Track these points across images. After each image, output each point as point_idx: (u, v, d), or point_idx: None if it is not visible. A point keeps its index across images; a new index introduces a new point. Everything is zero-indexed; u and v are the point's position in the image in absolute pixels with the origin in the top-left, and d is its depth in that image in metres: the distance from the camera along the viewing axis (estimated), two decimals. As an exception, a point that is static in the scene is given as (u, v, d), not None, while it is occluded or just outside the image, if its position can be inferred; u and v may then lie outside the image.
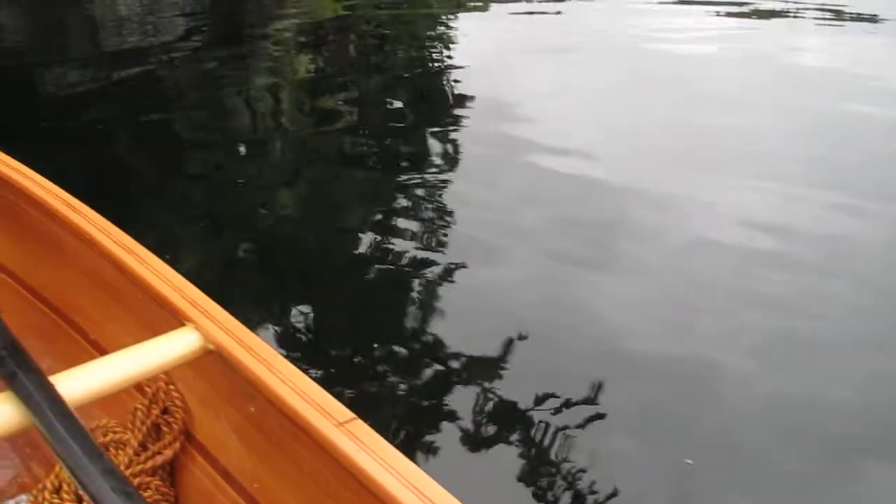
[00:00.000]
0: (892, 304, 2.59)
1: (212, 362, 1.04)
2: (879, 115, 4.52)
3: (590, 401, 2.06)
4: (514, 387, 2.10)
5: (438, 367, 2.20)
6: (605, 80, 5.44)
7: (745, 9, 8.00)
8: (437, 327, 2.41)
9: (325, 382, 0.96)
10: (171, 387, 1.27)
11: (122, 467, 1.21)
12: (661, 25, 7.13)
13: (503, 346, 2.28)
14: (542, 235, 3.07)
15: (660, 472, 1.84)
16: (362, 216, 3.36)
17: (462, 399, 2.06)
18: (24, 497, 1.39)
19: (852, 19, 7.47)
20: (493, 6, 8.64)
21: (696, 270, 2.80)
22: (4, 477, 1.49)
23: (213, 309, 1.07)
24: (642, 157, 3.95)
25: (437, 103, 5.18)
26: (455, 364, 2.22)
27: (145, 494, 1.24)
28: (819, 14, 7.71)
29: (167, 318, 1.11)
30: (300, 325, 2.42)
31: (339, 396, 0.92)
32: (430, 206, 3.35)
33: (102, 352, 1.39)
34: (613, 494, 1.75)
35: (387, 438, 0.85)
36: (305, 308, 2.54)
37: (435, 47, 7.08)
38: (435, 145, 4.22)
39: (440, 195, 3.47)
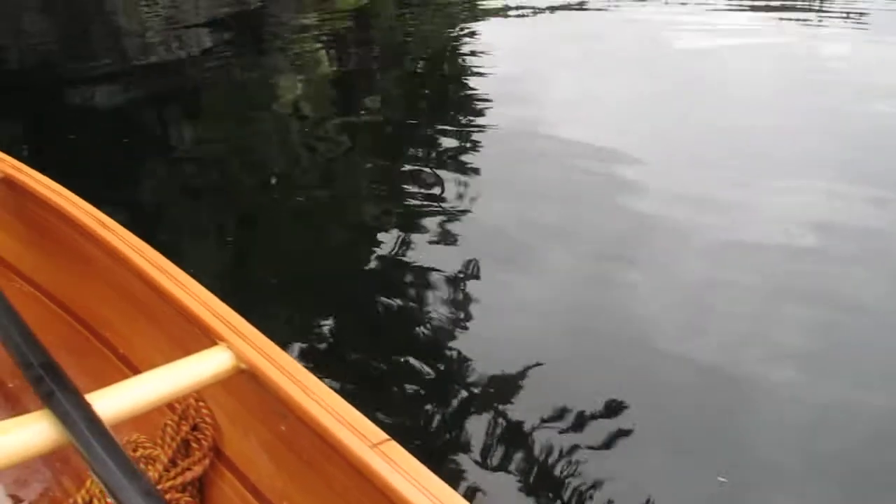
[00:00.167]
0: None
1: (244, 381, 1.05)
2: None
3: (618, 413, 2.05)
4: (541, 401, 2.09)
5: (467, 381, 2.20)
6: (632, 83, 5.43)
7: (771, 12, 7.95)
8: (465, 340, 2.40)
9: (353, 401, 0.97)
10: (201, 403, 1.29)
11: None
12: (686, 24, 7.11)
13: (530, 358, 2.27)
14: (570, 238, 3.07)
15: (692, 490, 1.81)
16: (387, 223, 3.35)
17: (488, 416, 2.05)
18: None
19: (879, 20, 7.40)
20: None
21: (731, 275, 2.78)
22: (35, 490, 1.50)
23: (245, 328, 1.07)
24: (672, 158, 3.94)
25: (458, 102, 5.20)
26: (483, 378, 2.21)
27: (175, 511, 1.25)
28: (844, 15, 7.66)
29: (199, 336, 1.12)
30: (322, 339, 2.43)
31: (369, 417, 0.93)
32: (454, 211, 3.35)
33: (133, 369, 1.41)
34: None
35: (419, 459, 0.85)
36: (330, 321, 2.54)
37: (456, 46, 7.10)
38: (458, 145, 4.23)
39: (464, 199, 3.47)
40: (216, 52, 6.94)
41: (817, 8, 7.89)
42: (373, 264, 2.99)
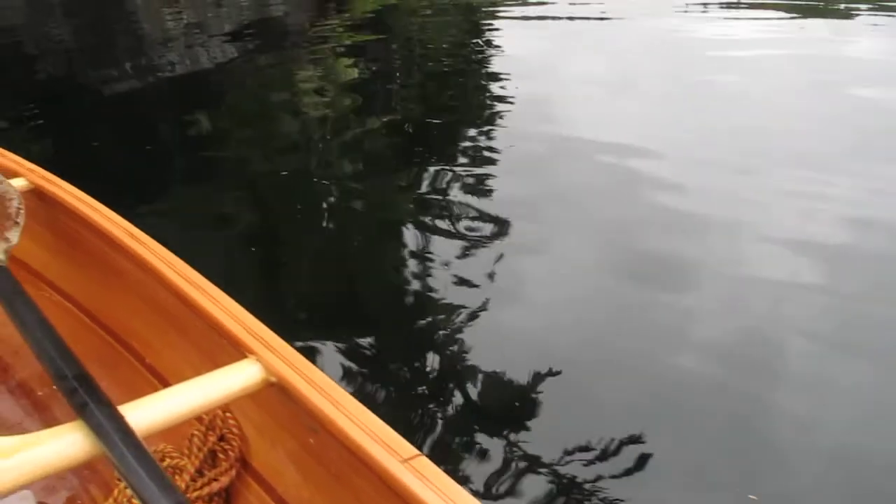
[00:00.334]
0: None
1: (273, 394, 1.06)
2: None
3: (643, 427, 2.03)
4: (570, 413, 2.10)
5: (494, 394, 2.20)
6: (653, 84, 5.44)
7: (795, 13, 7.92)
8: (493, 350, 2.40)
9: (382, 415, 0.97)
10: (228, 414, 1.30)
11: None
12: (711, 29, 7.11)
13: (556, 373, 2.27)
14: (593, 246, 3.09)
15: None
16: (414, 229, 3.35)
17: (517, 430, 2.05)
18: None
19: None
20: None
21: (757, 285, 2.76)
22: (63, 497, 1.52)
23: (274, 341, 1.08)
24: (696, 161, 3.96)
25: (480, 103, 5.23)
26: (511, 391, 2.21)
27: (203, 521, 1.26)
28: (871, 13, 7.62)
29: (228, 348, 1.13)
30: (349, 351, 2.43)
31: (398, 431, 0.93)
32: (480, 215, 3.37)
33: (162, 380, 1.42)
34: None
35: (450, 475, 0.86)
36: (357, 332, 2.54)
37: (477, 43, 7.12)
38: (483, 146, 4.27)
39: (489, 202, 3.51)
40: (238, 59, 7.01)
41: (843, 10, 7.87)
42: (399, 271, 2.99)
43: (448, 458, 1.93)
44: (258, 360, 1.06)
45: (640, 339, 2.46)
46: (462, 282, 2.82)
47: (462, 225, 3.29)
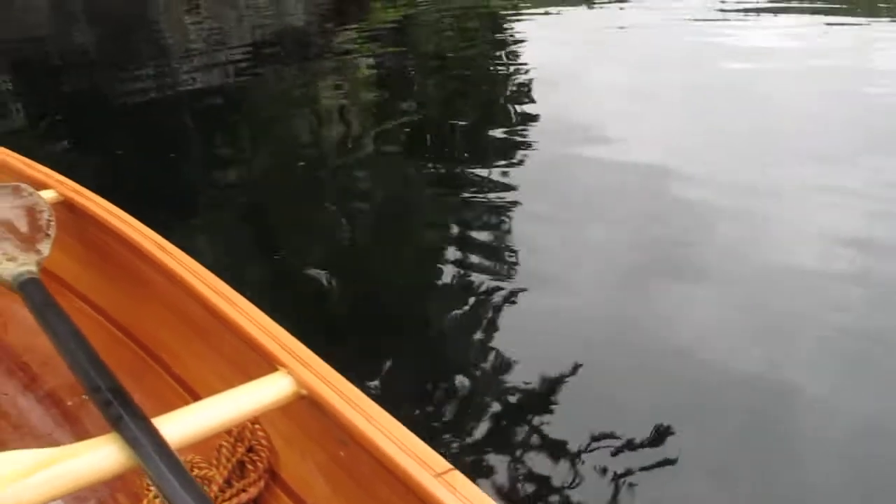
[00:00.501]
0: None
1: (303, 406, 1.06)
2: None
3: (668, 431, 2.03)
4: (601, 422, 2.08)
5: (525, 405, 2.19)
6: (676, 92, 5.42)
7: (816, 20, 7.87)
8: (523, 358, 2.40)
9: (415, 429, 0.97)
10: (257, 426, 1.30)
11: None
12: (732, 36, 7.08)
13: (580, 378, 2.27)
14: (616, 252, 3.09)
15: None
16: (440, 236, 3.38)
17: (550, 442, 2.04)
18: None
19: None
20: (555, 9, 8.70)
21: (781, 290, 2.76)
22: (91, 505, 1.53)
23: (305, 353, 1.08)
24: (719, 170, 3.94)
25: (501, 112, 5.23)
26: (542, 401, 2.21)
27: (232, 533, 1.26)
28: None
29: (258, 361, 1.13)
30: (371, 363, 2.43)
31: (430, 444, 0.93)
32: (499, 223, 3.39)
33: (192, 393, 1.43)
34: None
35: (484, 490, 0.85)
36: (380, 345, 2.55)
37: (498, 53, 7.13)
38: (501, 156, 4.26)
39: (509, 211, 3.51)
40: (260, 65, 7.07)
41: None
42: (431, 284, 3.00)
43: (483, 472, 1.92)
44: (289, 372, 1.06)
45: (672, 338, 2.47)
46: (491, 291, 2.83)
47: (490, 237, 3.31)
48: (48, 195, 1.66)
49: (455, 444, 2.04)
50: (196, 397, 1.41)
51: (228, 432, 1.32)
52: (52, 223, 1.55)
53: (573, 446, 2.03)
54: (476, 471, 1.86)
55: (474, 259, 3.07)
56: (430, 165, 4.37)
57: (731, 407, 2.16)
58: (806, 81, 5.58)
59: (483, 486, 0.87)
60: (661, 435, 2.03)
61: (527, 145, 4.44)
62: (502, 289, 2.83)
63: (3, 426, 1.72)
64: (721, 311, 2.64)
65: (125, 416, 0.95)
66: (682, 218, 3.35)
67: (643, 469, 1.93)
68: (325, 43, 8.19)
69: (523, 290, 2.81)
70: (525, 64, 6.68)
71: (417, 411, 2.19)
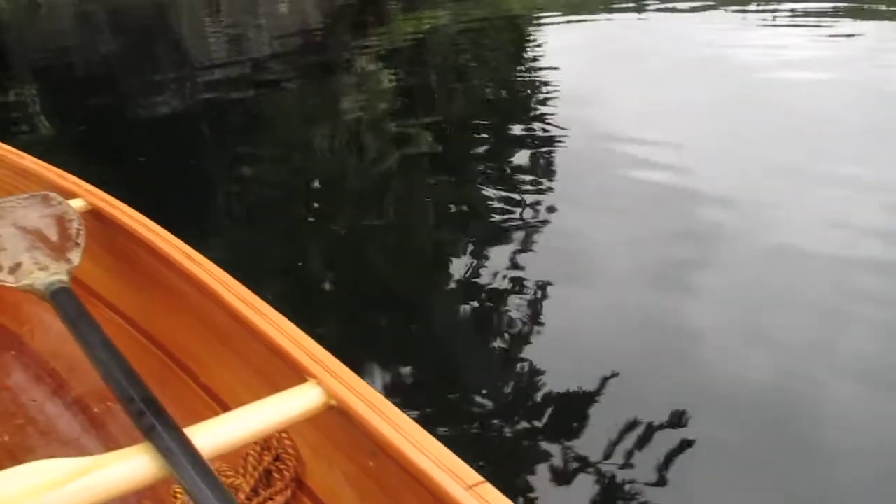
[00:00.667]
0: None
1: (332, 417, 1.06)
2: None
3: (690, 432, 2.02)
4: (632, 434, 2.07)
5: (559, 419, 2.18)
6: (698, 98, 5.41)
7: (837, 28, 7.81)
8: (547, 365, 2.39)
9: (446, 441, 0.97)
10: (283, 435, 1.31)
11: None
12: (754, 42, 7.05)
13: (604, 380, 2.27)
14: (638, 256, 3.09)
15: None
16: (463, 245, 3.38)
17: (578, 450, 2.04)
18: None
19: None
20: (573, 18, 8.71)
21: (803, 291, 2.75)
22: (117, 513, 1.54)
23: (334, 364, 1.09)
24: (742, 174, 3.93)
25: (521, 117, 5.24)
26: (575, 417, 2.20)
27: (258, 541, 1.27)
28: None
29: (286, 371, 1.13)
30: (400, 373, 2.43)
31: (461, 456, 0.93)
32: (524, 226, 3.40)
33: (220, 403, 1.44)
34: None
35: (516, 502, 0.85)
36: (409, 356, 2.54)
37: (520, 63, 7.14)
38: (522, 161, 4.27)
39: (532, 217, 3.52)
40: (280, 74, 7.11)
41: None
42: (448, 287, 3.02)
43: (515, 485, 1.91)
44: (318, 383, 1.06)
45: (697, 340, 2.47)
46: (520, 302, 2.83)
47: (503, 239, 3.31)
48: (77, 204, 1.67)
49: (486, 455, 2.03)
50: (224, 407, 1.42)
51: (255, 441, 1.32)
52: (82, 232, 1.57)
53: (607, 457, 2.02)
54: (508, 483, 1.85)
55: (503, 272, 3.06)
56: (456, 178, 4.36)
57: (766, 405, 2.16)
58: (845, 88, 5.54)
59: (516, 499, 0.87)
60: (698, 450, 2.02)
61: (549, 153, 4.43)
62: (533, 300, 2.82)
63: (31, 432, 1.74)
64: (747, 313, 2.64)
65: (158, 425, 0.96)
66: (705, 221, 3.34)
67: (689, 479, 1.92)
68: (345, 54, 8.23)
69: (551, 300, 2.82)
70: (546, 70, 6.67)
71: (450, 423, 2.18)
